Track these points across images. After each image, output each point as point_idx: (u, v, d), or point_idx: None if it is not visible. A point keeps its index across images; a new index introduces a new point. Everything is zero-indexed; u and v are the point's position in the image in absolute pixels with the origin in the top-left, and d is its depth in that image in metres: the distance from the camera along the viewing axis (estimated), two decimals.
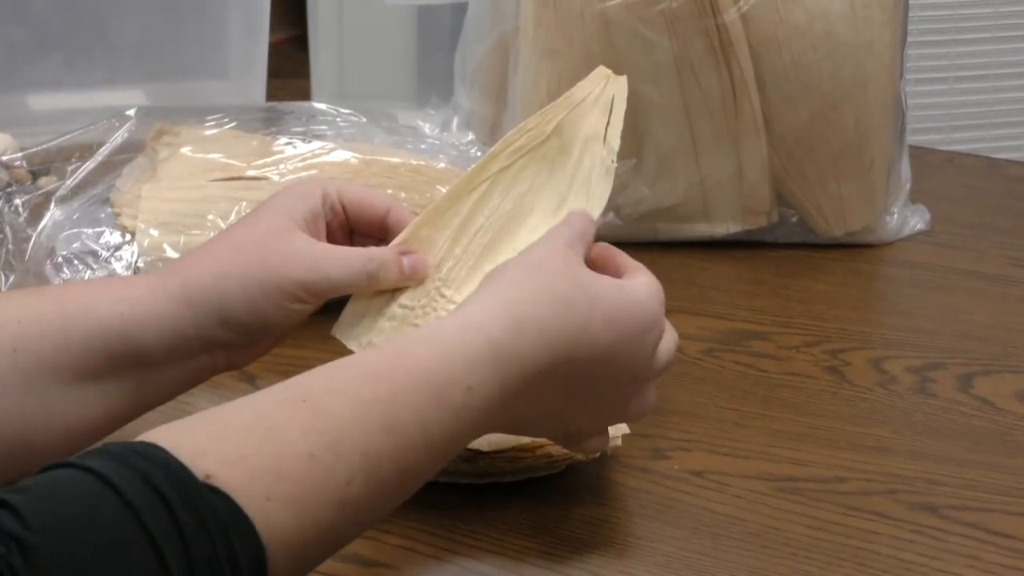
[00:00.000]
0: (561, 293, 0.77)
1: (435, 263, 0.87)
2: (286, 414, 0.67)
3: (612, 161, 0.89)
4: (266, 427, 0.66)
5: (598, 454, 0.88)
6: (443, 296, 0.87)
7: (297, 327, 0.87)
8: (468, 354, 0.72)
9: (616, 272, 0.83)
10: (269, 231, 0.85)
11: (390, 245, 0.87)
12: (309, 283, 0.83)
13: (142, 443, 0.63)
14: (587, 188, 0.89)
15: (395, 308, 0.86)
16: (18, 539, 0.57)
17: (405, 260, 0.87)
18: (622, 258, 0.85)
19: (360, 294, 0.87)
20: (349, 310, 0.87)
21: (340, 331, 0.87)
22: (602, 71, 0.92)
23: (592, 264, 0.83)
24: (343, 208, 0.88)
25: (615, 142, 0.90)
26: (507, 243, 0.88)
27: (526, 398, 0.75)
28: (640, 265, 0.85)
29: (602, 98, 0.91)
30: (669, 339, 0.84)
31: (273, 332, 0.85)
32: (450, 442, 0.72)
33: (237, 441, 0.64)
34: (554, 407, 0.79)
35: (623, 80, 0.92)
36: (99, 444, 0.64)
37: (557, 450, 0.87)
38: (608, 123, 0.90)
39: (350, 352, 0.86)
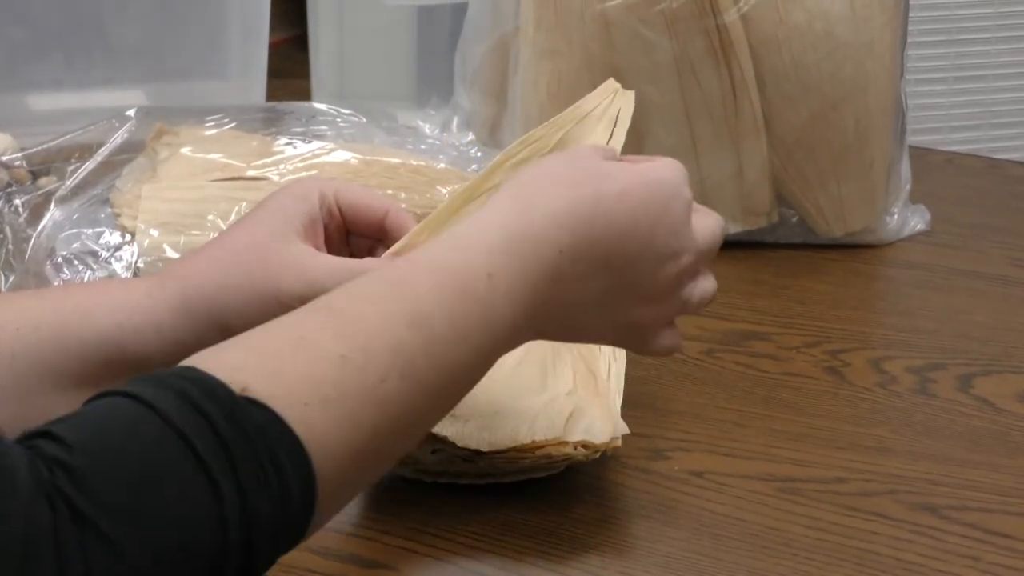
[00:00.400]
0: (567, 173, 0.77)
1: None
2: (314, 324, 0.67)
3: None
4: (296, 337, 0.66)
5: (597, 455, 0.88)
6: None
7: None
8: (483, 245, 0.72)
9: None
10: (269, 235, 0.84)
11: (387, 253, 0.86)
12: (307, 296, 0.83)
13: (179, 366, 0.63)
14: None
15: None
16: (64, 464, 0.56)
17: None
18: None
19: None
20: None
21: None
22: (611, 84, 0.92)
23: None
24: (340, 211, 0.87)
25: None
26: None
27: (558, 284, 0.75)
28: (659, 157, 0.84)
29: (608, 112, 0.91)
30: (711, 220, 0.82)
31: None
32: (485, 336, 0.71)
33: (270, 353, 0.65)
34: (594, 294, 0.77)
35: (631, 95, 0.91)
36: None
37: (556, 450, 0.87)
38: (612, 137, 0.90)
39: None
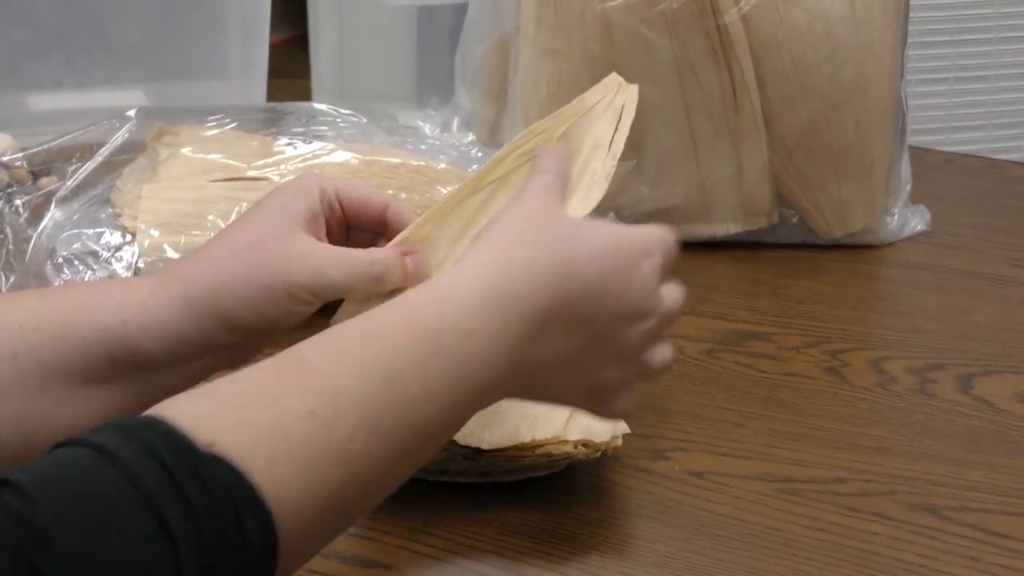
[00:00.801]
0: (545, 232, 0.76)
1: (437, 262, 0.87)
2: (283, 377, 0.66)
3: (613, 167, 0.89)
4: (265, 391, 0.66)
5: (598, 454, 0.88)
6: None
7: (297, 325, 0.87)
8: (460, 300, 0.72)
9: None
10: (270, 232, 0.84)
11: (391, 243, 0.87)
12: (313, 286, 0.83)
13: (146, 416, 0.63)
14: (586, 194, 0.89)
15: None
16: (24, 519, 0.56)
17: (408, 260, 0.87)
18: None
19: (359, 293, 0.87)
20: (346, 307, 0.87)
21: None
22: (614, 78, 0.92)
23: None
24: (340, 205, 0.88)
25: (619, 149, 0.90)
26: None
27: (534, 344, 0.74)
28: None
29: (612, 106, 0.91)
30: (676, 290, 0.82)
31: (276, 332, 0.85)
32: (457, 394, 0.70)
33: (238, 406, 0.64)
34: (565, 354, 0.77)
35: (634, 89, 0.91)
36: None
37: (556, 449, 0.87)
38: (616, 131, 0.90)
39: None
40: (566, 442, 0.87)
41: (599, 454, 0.88)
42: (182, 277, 0.84)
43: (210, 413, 0.63)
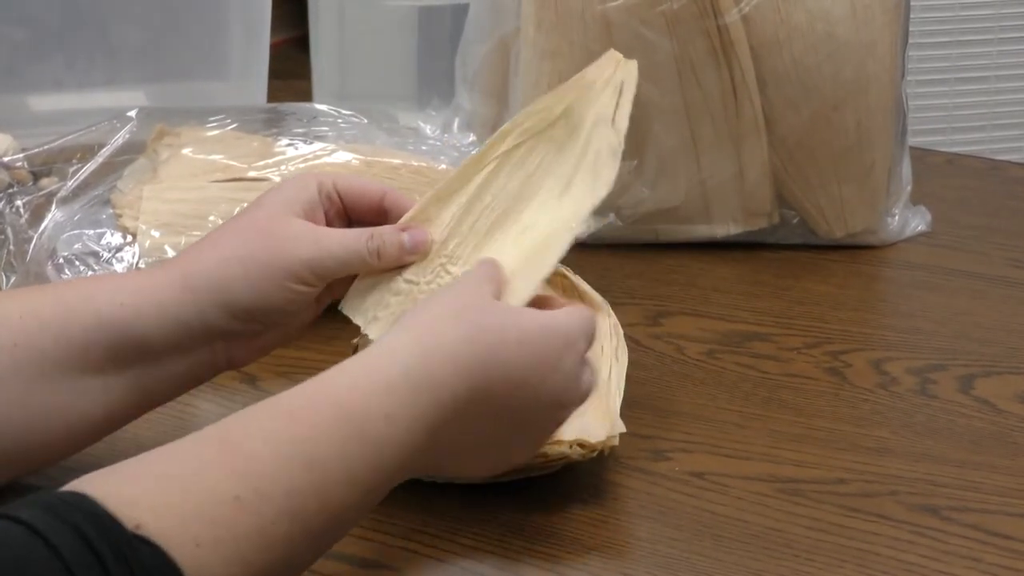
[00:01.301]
0: (471, 317, 0.77)
1: (441, 240, 0.88)
2: (209, 458, 0.67)
3: (620, 144, 0.89)
4: (191, 472, 0.66)
5: (594, 454, 0.88)
6: (448, 273, 0.88)
7: (299, 327, 0.87)
8: (383, 384, 0.72)
9: (547, 307, 0.84)
10: (269, 217, 0.85)
11: (397, 224, 0.88)
12: (313, 262, 0.84)
13: (72, 493, 0.63)
14: (593, 170, 0.89)
15: (401, 283, 0.87)
16: None
17: (406, 236, 0.87)
18: (557, 301, 0.86)
19: (366, 272, 0.87)
20: (356, 286, 0.87)
21: (347, 307, 0.88)
22: (613, 55, 0.92)
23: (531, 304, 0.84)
24: (339, 197, 0.88)
25: (623, 124, 0.90)
26: (513, 222, 0.89)
27: (450, 428, 0.75)
28: (577, 303, 0.86)
29: (612, 81, 0.91)
30: (592, 376, 0.83)
31: (275, 319, 0.85)
32: (375, 477, 0.71)
33: (165, 488, 0.65)
34: (480, 437, 0.78)
35: (633, 64, 0.92)
36: (31, 497, 0.64)
37: (552, 449, 0.87)
38: (617, 106, 0.90)
39: (350, 353, 0.86)
40: (561, 442, 0.87)
41: (595, 454, 0.88)
42: (182, 261, 0.85)
43: (138, 493, 0.64)
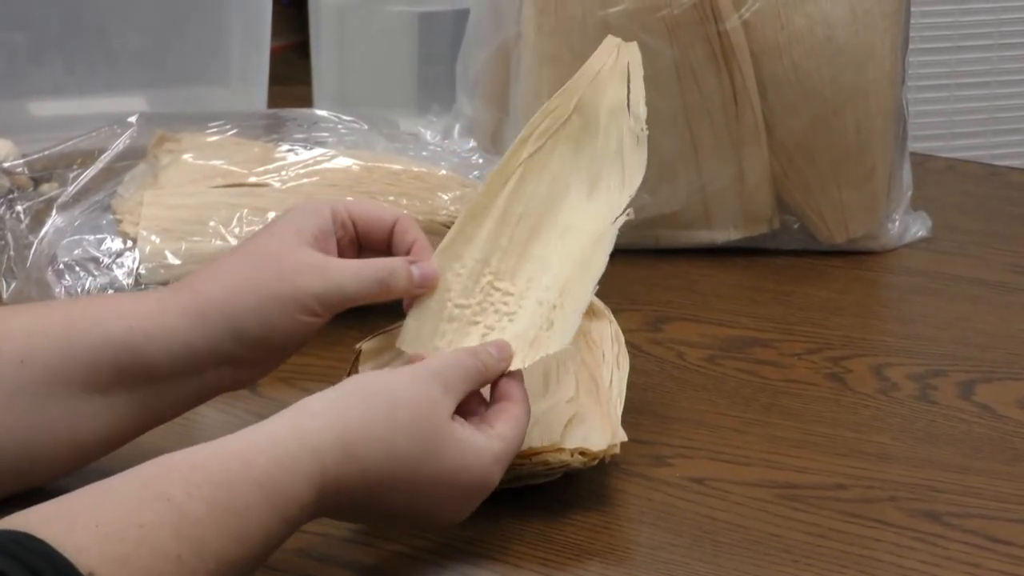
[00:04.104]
0: (396, 437, 0.77)
1: (483, 257, 0.88)
2: (155, 514, 0.68)
3: (642, 129, 0.89)
4: (138, 525, 0.67)
5: (595, 462, 0.88)
6: (497, 289, 0.88)
7: (302, 344, 0.87)
8: (304, 476, 0.73)
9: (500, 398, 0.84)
10: (282, 246, 0.85)
11: (436, 252, 0.88)
12: (323, 295, 0.84)
13: (25, 535, 0.64)
14: (620, 161, 0.89)
15: (452, 309, 0.88)
16: None
17: (415, 268, 0.87)
18: (511, 392, 0.85)
19: (416, 308, 0.88)
20: (408, 323, 0.88)
21: (406, 343, 0.88)
22: (611, 40, 0.92)
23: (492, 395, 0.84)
24: (352, 223, 0.88)
25: (640, 109, 0.90)
26: (550, 226, 0.90)
27: (339, 512, 0.78)
28: (519, 399, 0.84)
29: (617, 67, 0.91)
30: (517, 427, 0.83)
31: (282, 347, 0.85)
32: (276, 547, 0.74)
33: (115, 539, 0.66)
34: (362, 517, 0.81)
35: (634, 46, 0.91)
36: None
37: (553, 457, 0.87)
38: (629, 91, 0.90)
39: (352, 359, 0.86)
40: (563, 450, 0.87)
41: (596, 462, 0.88)
42: (193, 286, 0.85)
43: (86, 541, 0.65)
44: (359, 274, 0.86)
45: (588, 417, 0.90)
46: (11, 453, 0.81)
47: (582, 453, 0.87)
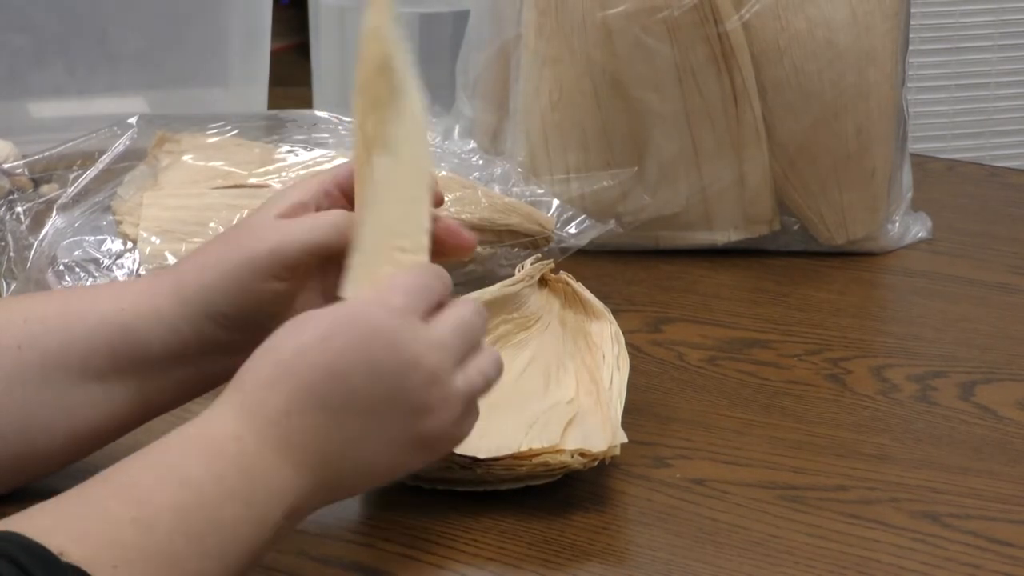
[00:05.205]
0: (325, 348, 0.75)
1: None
2: (101, 491, 0.70)
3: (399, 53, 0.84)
4: (92, 503, 0.69)
5: (595, 463, 0.88)
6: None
7: (277, 318, 0.86)
8: (230, 407, 0.74)
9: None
10: (247, 223, 0.86)
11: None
12: (276, 249, 0.82)
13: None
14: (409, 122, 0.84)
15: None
16: None
17: None
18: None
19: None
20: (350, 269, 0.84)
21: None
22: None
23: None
24: (339, 189, 0.87)
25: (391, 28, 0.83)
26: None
27: (308, 434, 0.74)
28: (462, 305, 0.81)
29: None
30: (486, 361, 0.80)
31: (256, 323, 0.84)
32: (245, 493, 0.73)
33: (75, 516, 0.68)
34: (355, 438, 0.76)
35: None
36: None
37: (553, 458, 0.87)
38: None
39: None
40: (563, 451, 0.87)
41: (596, 463, 0.88)
42: (176, 269, 0.86)
43: (50, 524, 0.67)
44: (315, 223, 0.84)
45: (588, 418, 0.90)
46: (9, 442, 0.82)
47: (582, 454, 0.87)
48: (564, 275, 1.02)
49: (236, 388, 0.75)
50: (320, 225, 0.84)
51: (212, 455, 0.72)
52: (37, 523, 0.66)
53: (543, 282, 1.03)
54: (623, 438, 0.89)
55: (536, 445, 0.87)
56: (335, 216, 0.85)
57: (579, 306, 1.02)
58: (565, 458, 0.87)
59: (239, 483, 0.72)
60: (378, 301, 0.78)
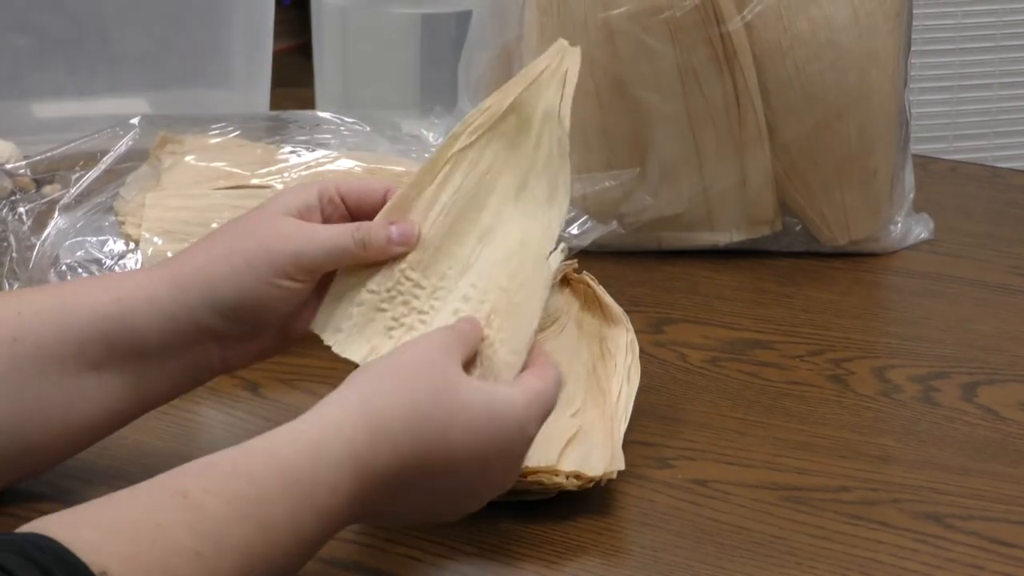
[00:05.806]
0: (418, 400, 0.77)
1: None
2: (171, 511, 0.68)
3: (566, 139, 0.88)
4: (154, 524, 0.67)
5: (591, 485, 0.87)
6: (408, 280, 0.86)
7: (295, 334, 0.87)
8: (331, 458, 0.73)
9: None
10: (261, 219, 0.86)
11: (378, 216, 0.87)
12: (297, 255, 0.83)
13: (36, 535, 0.64)
14: (548, 172, 0.88)
15: (364, 294, 0.86)
16: None
17: (393, 228, 0.87)
18: (536, 359, 0.84)
19: (335, 287, 0.86)
20: (324, 307, 0.87)
21: (317, 326, 0.87)
22: (560, 44, 0.91)
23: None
24: (343, 200, 0.88)
25: (567, 118, 0.89)
26: (471, 223, 0.88)
27: (383, 498, 0.76)
28: (545, 362, 0.84)
29: (558, 72, 0.90)
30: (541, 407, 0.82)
31: (265, 320, 0.84)
32: (315, 540, 0.73)
33: (129, 537, 0.66)
34: (412, 505, 0.79)
35: (577, 52, 0.90)
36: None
37: (549, 480, 0.86)
38: (562, 97, 0.89)
39: (353, 365, 0.86)
40: (558, 472, 0.86)
41: (592, 485, 0.87)
42: (176, 259, 0.86)
43: (100, 541, 0.65)
44: (336, 234, 0.85)
45: (590, 435, 0.90)
46: (6, 435, 0.81)
47: (577, 477, 0.87)
48: (587, 275, 1.02)
49: (355, 425, 0.75)
50: (343, 235, 0.85)
51: (301, 501, 0.72)
52: (84, 534, 0.64)
53: (565, 281, 1.02)
54: (621, 465, 0.88)
55: (532, 464, 0.86)
56: (357, 229, 0.86)
57: (598, 310, 1.01)
58: (560, 480, 0.86)
59: (312, 534, 0.73)
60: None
